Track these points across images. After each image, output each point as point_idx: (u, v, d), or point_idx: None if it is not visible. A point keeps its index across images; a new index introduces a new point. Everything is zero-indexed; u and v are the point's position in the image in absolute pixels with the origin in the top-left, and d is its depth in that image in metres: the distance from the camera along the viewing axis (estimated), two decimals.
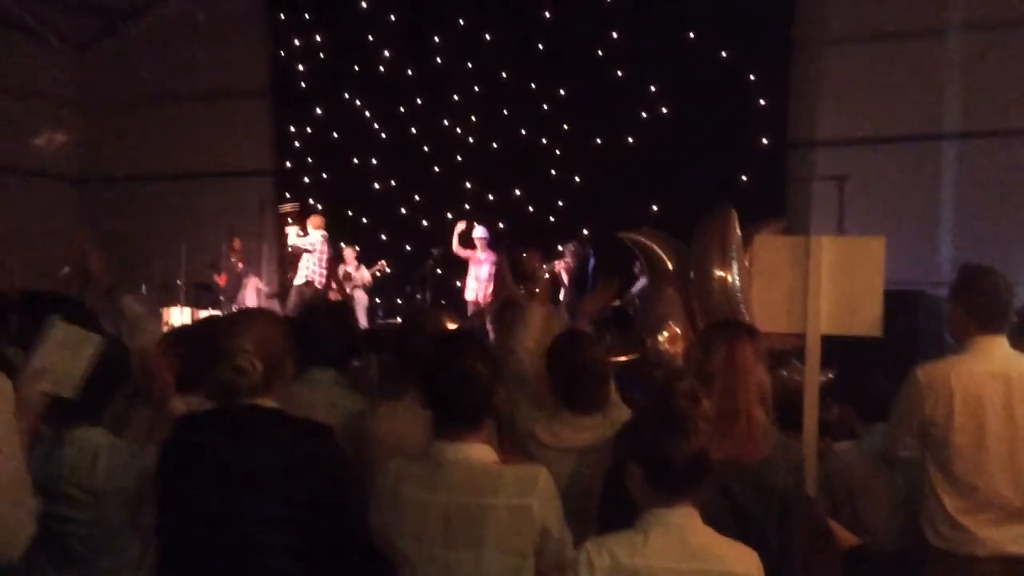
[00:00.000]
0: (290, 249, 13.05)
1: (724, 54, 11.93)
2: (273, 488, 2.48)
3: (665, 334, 4.52)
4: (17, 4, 14.93)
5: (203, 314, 11.72)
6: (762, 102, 11.84)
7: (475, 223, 12.68)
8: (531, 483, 2.43)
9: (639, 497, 2.29)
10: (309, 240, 12.56)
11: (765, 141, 11.87)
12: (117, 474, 2.71)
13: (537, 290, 3.94)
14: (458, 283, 12.79)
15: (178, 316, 11.88)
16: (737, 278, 4.53)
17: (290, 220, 13.10)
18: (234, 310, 11.62)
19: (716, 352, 2.84)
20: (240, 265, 13.15)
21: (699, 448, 2.24)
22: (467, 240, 12.60)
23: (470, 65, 13.54)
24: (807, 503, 3.04)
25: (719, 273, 4.57)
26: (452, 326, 4.09)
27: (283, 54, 14.96)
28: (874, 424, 4.17)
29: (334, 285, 12.46)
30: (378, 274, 12.94)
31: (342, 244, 13.15)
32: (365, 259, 13.13)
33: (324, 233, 12.68)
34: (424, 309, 5.37)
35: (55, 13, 15.67)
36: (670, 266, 5.04)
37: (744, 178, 11.73)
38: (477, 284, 12.35)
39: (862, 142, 11.56)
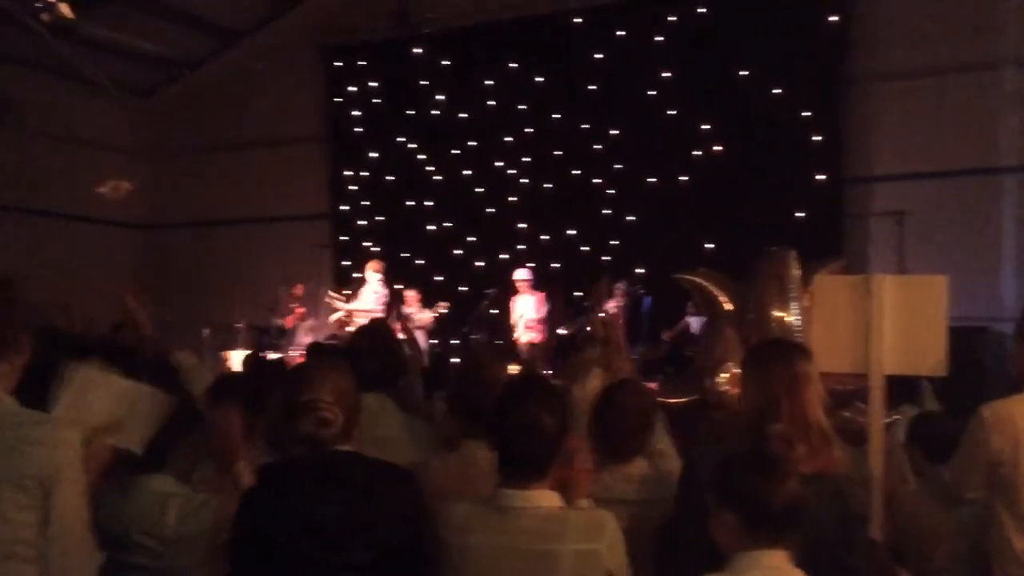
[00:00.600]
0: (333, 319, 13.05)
1: (776, 91, 11.90)
2: (358, 534, 2.51)
3: (725, 375, 4.48)
4: (81, 57, 15.40)
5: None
6: (816, 138, 11.77)
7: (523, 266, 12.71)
8: (599, 528, 2.43)
9: (729, 543, 2.29)
10: (369, 289, 12.65)
11: (821, 177, 11.79)
12: (186, 522, 2.73)
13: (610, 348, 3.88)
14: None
15: (238, 359, 12.04)
16: (796, 318, 4.50)
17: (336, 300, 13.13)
18: (291, 354, 11.76)
19: (776, 369, 2.77)
20: (299, 311, 13.32)
21: (796, 491, 2.25)
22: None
23: (521, 107, 13.68)
24: (873, 547, 3.00)
25: (777, 314, 4.54)
26: (512, 369, 4.03)
27: (338, 100, 15.24)
28: (940, 464, 4.10)
29: (396, 326, 12.51)
30: (438, 314, 12.97)
31: (402, 287, 13.23)
32: (423, 301, 13.18)
33: (381, 277, 12.78)
34: (481, 352, 5.33)
35: (118, 64, 16.14)
36: (727, 307, 5.02)
37: (800, 215, 11.66)
38: (523, 324, 12.31)
39: (920, 177, 11.42)
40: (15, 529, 2.09)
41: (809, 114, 11.80)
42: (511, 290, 12.56)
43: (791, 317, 4.55)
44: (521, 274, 12.46)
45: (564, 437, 2.54)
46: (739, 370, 4.54)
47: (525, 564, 2.40)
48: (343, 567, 2.49)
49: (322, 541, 2.48)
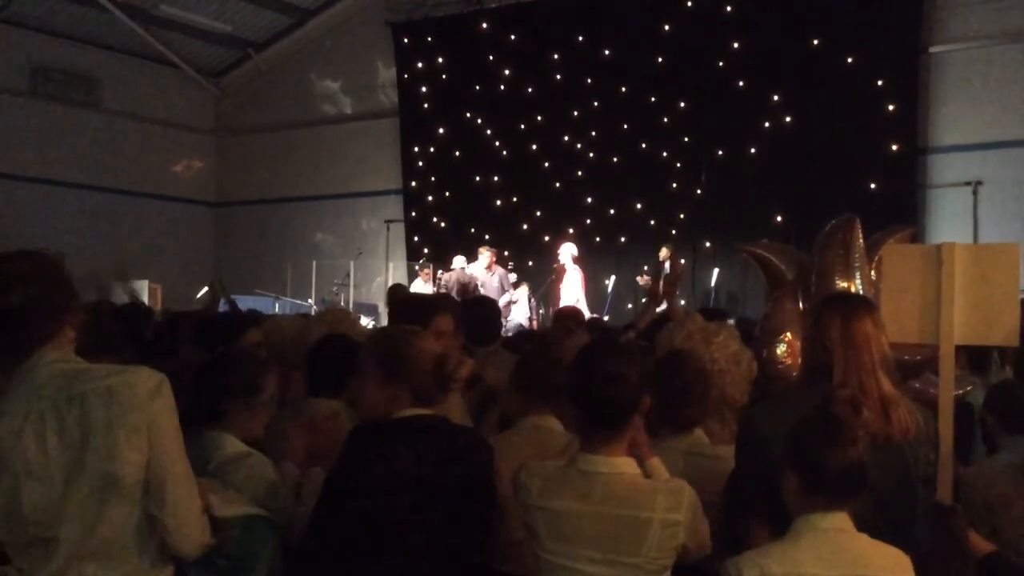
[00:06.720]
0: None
1: (850, 60, 11.66)
2: (437, 494, 2.60)
3: (783, 347, 4.42)
4: (157, 38, 15.73)
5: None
6: (891, 107, 11.52)
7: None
8: (679, 498, 2.45)
9: (793, 505, 2.30)
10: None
11: (895, 147, 11.54)
12: (248, 484, 2.80)
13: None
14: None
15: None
16: (861, 289, 4.42)
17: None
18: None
19: (831, 326, 2.65)
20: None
21: (858, 457, 2.24)
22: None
23: (589, 81, 13.61)
24: (947, 514, 2.94)
25: (842, 284, 4.46)
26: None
27: (406, 77, 15.32)
28: (1017, 435, 4.01)
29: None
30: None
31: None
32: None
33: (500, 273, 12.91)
34: (552, 329, 5.29)
35: (191, 45, 16.45)
36: (790, 278, 4.93)
37: (873, 186, 11.44)
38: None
39: (996, 146, 11.12)
40: (123, 468, 2.16)
41: (883, 83, 11.54)
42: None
43: (856, 287, 4.47)
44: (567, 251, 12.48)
45: (643, 391, 2.54)
46: (797, 341, 4.49)
47: (614, 529, 2.42)
48: (421, 525, 2.58)
49: (399, 500, 2.57)
